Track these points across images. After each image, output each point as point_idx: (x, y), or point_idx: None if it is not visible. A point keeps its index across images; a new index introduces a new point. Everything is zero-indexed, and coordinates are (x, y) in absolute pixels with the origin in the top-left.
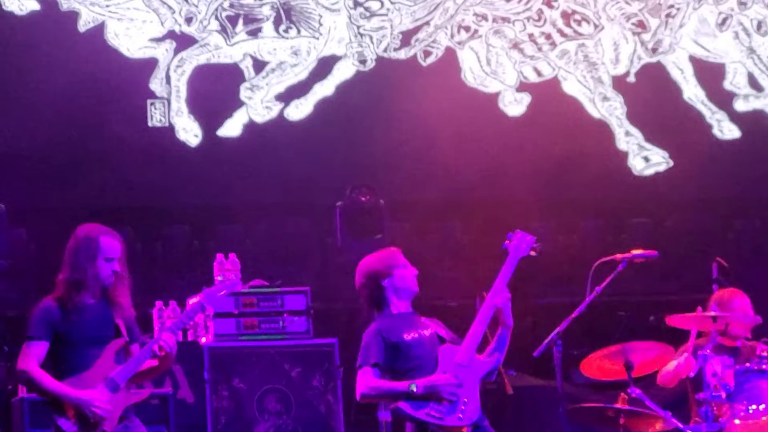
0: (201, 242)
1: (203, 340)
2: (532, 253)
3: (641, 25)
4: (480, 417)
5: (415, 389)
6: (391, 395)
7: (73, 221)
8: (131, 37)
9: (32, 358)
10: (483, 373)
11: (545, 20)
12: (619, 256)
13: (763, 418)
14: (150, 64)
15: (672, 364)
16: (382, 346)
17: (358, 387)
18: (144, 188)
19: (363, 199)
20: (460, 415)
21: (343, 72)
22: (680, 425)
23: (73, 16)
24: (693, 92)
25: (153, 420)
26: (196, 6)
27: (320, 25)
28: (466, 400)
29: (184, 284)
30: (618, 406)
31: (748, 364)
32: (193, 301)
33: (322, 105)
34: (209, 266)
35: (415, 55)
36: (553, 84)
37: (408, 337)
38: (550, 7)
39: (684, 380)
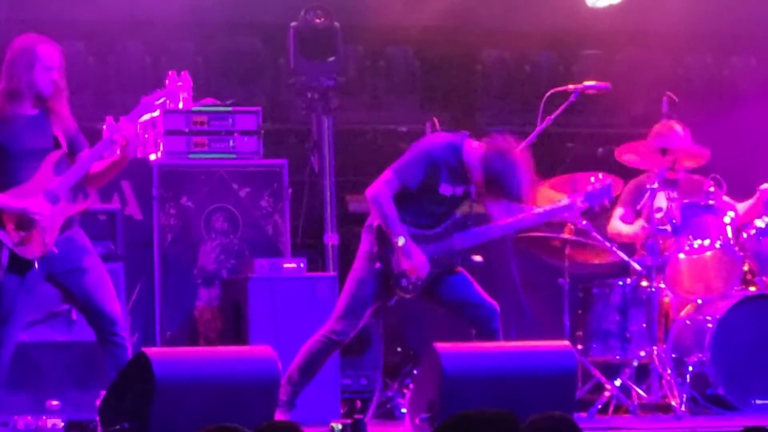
0: (153, 59)
1: (153, 157)
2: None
3: None
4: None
5: (401, 244)
6: (384, 222)
7: (23, 33)
8: None
9: None
10: (460, 265)
11: None
12: (571, 86)
13: (707, 253)
14: None
15: (625, 228)
16: (422, 177)
17: (377, 186)
18: (98, 2)
19: (317, 20)
20: (404, 283)
21: None
22: (625, 257)
23: None
24: None
25: (100, 235)
26: None
27: None
28: (422, 277)
29: (135, 100)
30: (564, 236)
31: (695, 200)
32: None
33: None
34: (160, 82)
35: None
36: None
37: (443, 190)
38: None
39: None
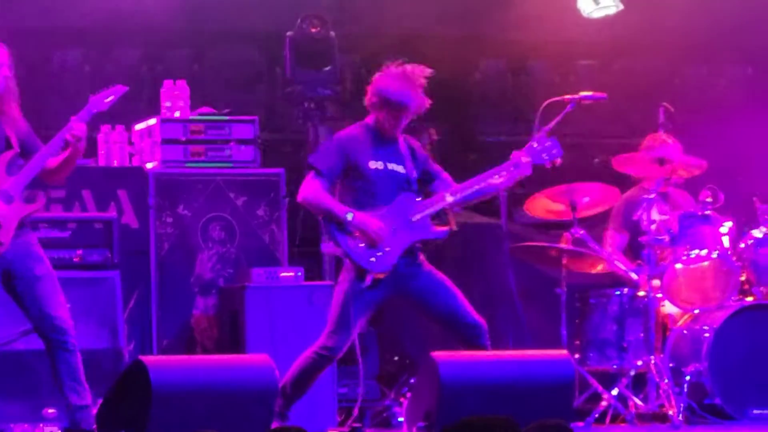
0: (149, 67)
1: (149, 165)
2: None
3: None
4: (403, 262)
5: (350, 218)
6: (327, 213)
7: (20, 40)
8: None
9: None
10: (423, 238)
11: None
12: (567, 97)
13: (704, 263)
14: None
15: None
16: (340, 161)
17: (302, 189)
18: (94, 9)
19: (314, 30)
20: (373, 259)
21: None
22: (622, 267)
23: None
24: None
25: (96, 244)
26: None
27: None
28: (388, 249)
29: (131, 108)
30: (561, 245)
31: (692, 210)
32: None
33: None
34: (156, 91)
35: None
36: None
37: (372, 165)
38: None
39: (628, 223)
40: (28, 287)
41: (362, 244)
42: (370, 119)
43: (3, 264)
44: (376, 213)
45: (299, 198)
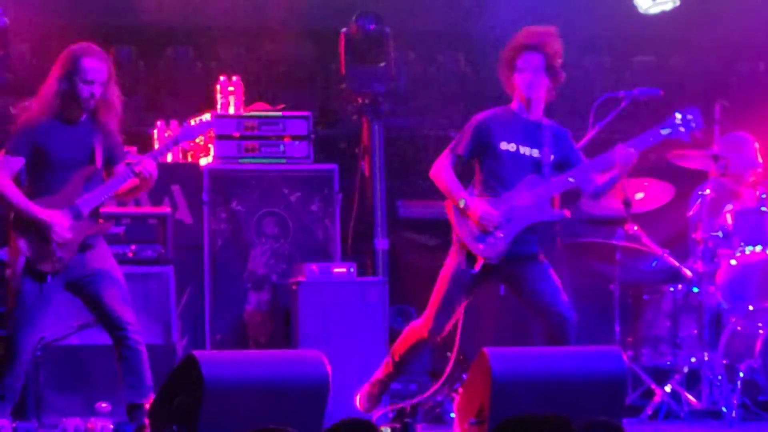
0: (203, 63)
1: (203, 161)
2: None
3: None
4: (516, 253)
5: (462, 205)
6: (445, 191)
7: (76, 38)
8: None
9: (5, 170)
10: (538, 220)
11: None
12: (623, 92)
13: (759, 259)
14: None
15: None
16: (471, 142)
17: (435, 164)
18: (148, 7)
19: (369, 26)
20: (482, 246)
21: None
22: (676, 263)
23: None
24: None
25: (150, 239)
26: None
27: None
28: (501, 235)
29: (186, 104)
30: (616, 242)
31: (747, 206)
32: (196, 121)
33: None
34: (211, 87)
35: None
36: None
37: (503, 146)
38: None
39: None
40: (89, 286)
41: (476, 230)
42: (514, 103)
43: (65, 278)
44: (496, 199)
45: (430, 173)
